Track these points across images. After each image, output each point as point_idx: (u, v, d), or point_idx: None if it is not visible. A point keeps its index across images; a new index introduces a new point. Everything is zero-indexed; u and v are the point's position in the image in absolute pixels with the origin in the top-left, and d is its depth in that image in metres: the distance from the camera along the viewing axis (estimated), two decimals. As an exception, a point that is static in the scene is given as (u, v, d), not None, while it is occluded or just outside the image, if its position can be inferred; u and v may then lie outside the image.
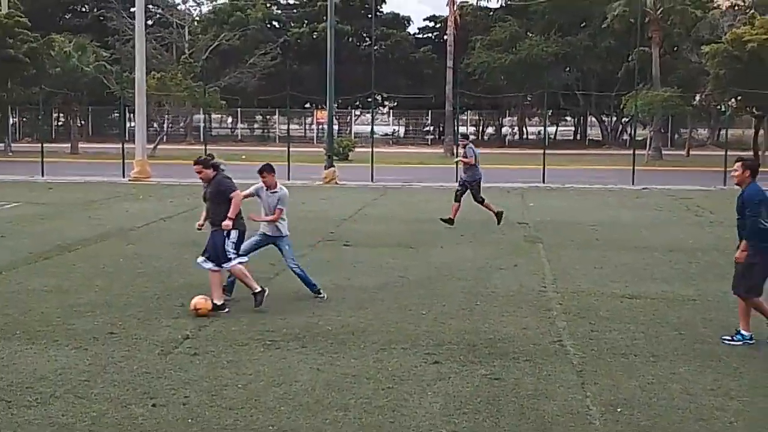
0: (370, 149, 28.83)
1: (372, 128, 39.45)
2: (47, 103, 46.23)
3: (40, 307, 8.81)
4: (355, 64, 47.58)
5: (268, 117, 59.84)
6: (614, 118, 55.88)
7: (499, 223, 14.56)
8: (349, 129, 56.47)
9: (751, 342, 6.75)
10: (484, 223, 15.64)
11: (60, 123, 56.12)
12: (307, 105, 54.45)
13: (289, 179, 25.40)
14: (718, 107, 46.92)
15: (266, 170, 8.18)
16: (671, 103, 41.39)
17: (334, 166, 27.18)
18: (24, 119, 56.12)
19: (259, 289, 7.86)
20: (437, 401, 5.43)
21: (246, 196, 8.21)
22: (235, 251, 7.83)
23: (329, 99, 28.35)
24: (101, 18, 52.47)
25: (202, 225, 8.23)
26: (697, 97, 48.04)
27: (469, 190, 14.99)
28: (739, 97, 37.37)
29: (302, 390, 5.62)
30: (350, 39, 52.99)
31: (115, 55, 47.30)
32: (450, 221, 14.49)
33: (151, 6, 48.08)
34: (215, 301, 7.72)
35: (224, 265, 7.83)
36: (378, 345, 7.15)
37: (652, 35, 41.93)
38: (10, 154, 42.75)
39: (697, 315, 8.35)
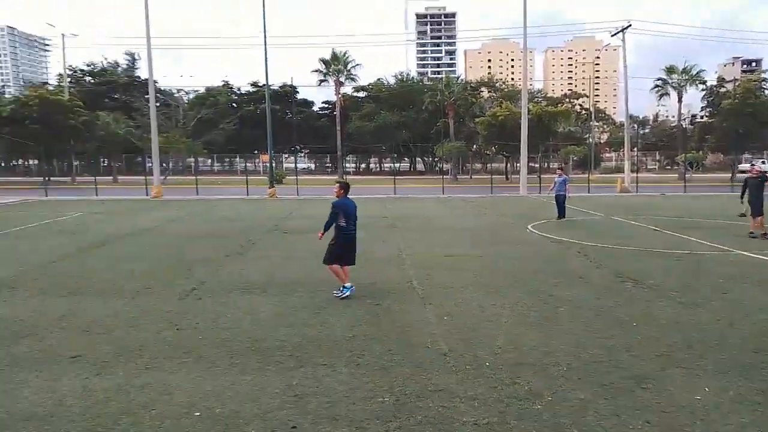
0: (295, 177, 36.31)
1: (296, 165, 51.58)
2: (96, 153, 55.27)
3: (104, 275, 10.02)
4: (282, 128, 57.34)
5: (232, 159, 70.31)
6: (430, 158, 67.86)
7: None
8: (282, 165, 64.43)
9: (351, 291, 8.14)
10: (364, 216, 14.46)
11: (104, 164, 61.64)
12: (255, 151, 63.65)
13: (248, 194, 31.75)
14: (485, 152, 62.70)
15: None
16: (461, 149, 55.19)
17: (274, 186, 32.65)
18: (82, 163, 62.46)
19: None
20: (344, 319, 7.06)
21: None
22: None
23: (269, 148, 35.58)
24: (127, 101, 60.12)
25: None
26: (474, 146, 61.85)
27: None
28: (496, 146, 54.27)
29: (264, 315, 7.07)
30: (279, 114, 61.46)
31: (137, 123, 55.89)
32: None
33: (158, 94, 53.97)
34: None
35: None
36: (309, 289, 8.69)
37: (448, 112, 54.78)
38: (74, 183, 50.78)
39: (484, 264, 10.95)
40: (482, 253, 12.23)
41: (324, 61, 56.13)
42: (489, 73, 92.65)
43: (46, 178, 41.71)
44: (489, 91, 65.97)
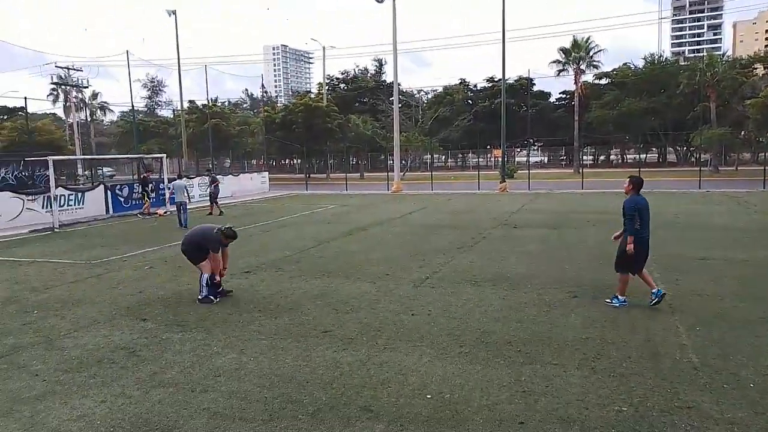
0: (527, 171, 36.44)
1: (528, 158, 51.44)
2: (348, 152, 59.95)
3: (351, 260, 11.22)
4: (517, 122, 56.32)
5: (465, 154, 70.92)
6: (684, 147, 60.44)
7: None
8: (514, 160, 63.43)
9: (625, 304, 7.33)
10: (602, 212, 17.46)
11: (353, 162, 65.83)
12: (488, 146, 64.39)
13: (479, 189, 32.54)
14: (758, 139, 54.73)
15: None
16: (725, 137, 48.38)
17: (506, 181, 32.71)
18: (335, 161, 68.67)
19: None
20: (578, 320, 6.80)
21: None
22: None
23: (502, 143, 34.65)
24: (374, 105, 64.47)
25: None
26: (743, 133, 54.00)
27: None
28: (772, 132, 46.49)
29: (493, 308, 7.30)
30: (514, 107, 60.67)
31: (381, 124, 59.40)
32: None
33: (400, 95, 53.90)
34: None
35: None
36: (537, 285, 8.61)
37: (709, 94, 48.66)
38: (329, 179, 56.15)
39: (750, 269, 9.42)
40: (749, 257, 10.63)
41: (563, 50, 53.74)
42: (766, 46, 78.31)
43: (307, 175, 47.46)
44: (765, 68, 55.73)
